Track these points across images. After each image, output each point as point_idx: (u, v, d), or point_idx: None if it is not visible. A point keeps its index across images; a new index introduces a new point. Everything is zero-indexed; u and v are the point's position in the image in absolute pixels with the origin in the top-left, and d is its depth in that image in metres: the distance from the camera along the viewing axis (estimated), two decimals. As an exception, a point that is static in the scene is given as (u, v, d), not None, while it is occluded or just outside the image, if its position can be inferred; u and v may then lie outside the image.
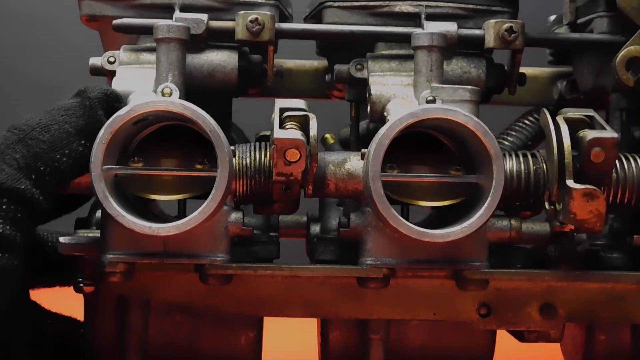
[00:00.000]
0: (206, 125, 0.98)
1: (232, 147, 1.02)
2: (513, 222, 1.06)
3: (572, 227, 1.00)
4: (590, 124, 1.03)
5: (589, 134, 1.00)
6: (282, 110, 1.02)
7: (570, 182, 0.99)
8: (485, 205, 0.99)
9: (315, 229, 1.15)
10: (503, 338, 1.16)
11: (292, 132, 0.99)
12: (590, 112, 1.04)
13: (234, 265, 1.04)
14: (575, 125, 1.02)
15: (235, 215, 1.04)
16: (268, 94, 1.24)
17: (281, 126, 1.01)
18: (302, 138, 0.99)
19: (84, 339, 1.13)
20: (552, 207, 1.02)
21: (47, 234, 1.15)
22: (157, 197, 1.05)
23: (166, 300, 1.07)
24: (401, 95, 1.07)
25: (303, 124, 1.01)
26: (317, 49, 1.26)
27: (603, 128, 1.02)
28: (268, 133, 1.04)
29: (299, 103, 1.05)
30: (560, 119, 1.02)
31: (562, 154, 1.00)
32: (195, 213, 0.97)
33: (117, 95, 1.04)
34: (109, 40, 1.15)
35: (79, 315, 1.14)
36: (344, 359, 1.13)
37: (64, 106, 1.01)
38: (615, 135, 1.00)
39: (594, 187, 0.99)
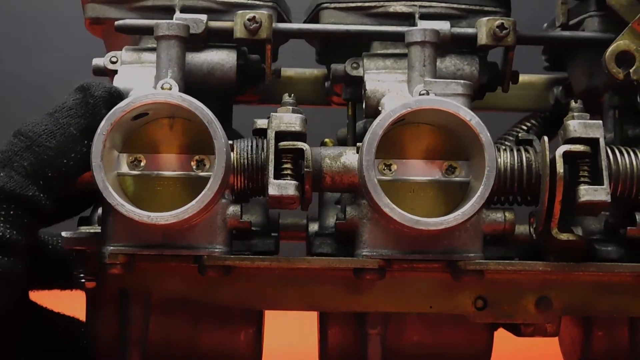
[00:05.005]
0: (204, 116, 1.00)
1: (231, 142, 1.04)
2: (507, 214, 1.07)
3: None
4: (592, 155, 1.03)
5: (583, 194, 1.01)
6: (278, 137, 1.03)
7: (554, 232, 1.03)
8: (478, 193, 1.00)
9: (314, 227, 1.16)
10: (502, 338, 1.16)
11: (288, 185, 1.01)
12: (597, 134, 1.03)
13: (231, 256, 1.05)
14: (575, 160, 1.03)
15: (233, 208, 1.05)
16: (268, 100, 1.27)
17: (277, 162, 1.02)
18: (297, 193, 1.01)
19: (84, 338, 1.14)
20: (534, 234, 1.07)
21: (48, 237, 1.17)
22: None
23: (166, 293, 1.09)
24: (395, 90, 1.09)
25: (299, 157, 1.03)
26: (317, 57, 1.29)
27: (601, 174, 1.02)
28: (264, 126, 1.06)
29: (295, 122, 1.04)
30: (559, 157, 1.02)
31: (552, 202, 1.02)
32: (193, 202, 0.99)
33: (119, 93, 1.06)
34: (111, 43, 1.18)
35: (80, 317, 1.16)
36: (343, 355, 1.14)
37: (66, 106, 1.02)
38: (608, 199, 1.01)
39: (578, 236, 1.04)
